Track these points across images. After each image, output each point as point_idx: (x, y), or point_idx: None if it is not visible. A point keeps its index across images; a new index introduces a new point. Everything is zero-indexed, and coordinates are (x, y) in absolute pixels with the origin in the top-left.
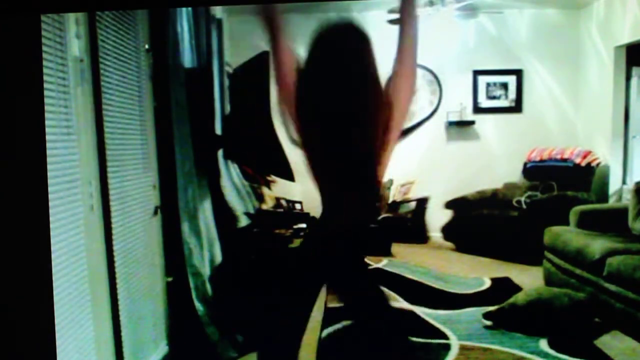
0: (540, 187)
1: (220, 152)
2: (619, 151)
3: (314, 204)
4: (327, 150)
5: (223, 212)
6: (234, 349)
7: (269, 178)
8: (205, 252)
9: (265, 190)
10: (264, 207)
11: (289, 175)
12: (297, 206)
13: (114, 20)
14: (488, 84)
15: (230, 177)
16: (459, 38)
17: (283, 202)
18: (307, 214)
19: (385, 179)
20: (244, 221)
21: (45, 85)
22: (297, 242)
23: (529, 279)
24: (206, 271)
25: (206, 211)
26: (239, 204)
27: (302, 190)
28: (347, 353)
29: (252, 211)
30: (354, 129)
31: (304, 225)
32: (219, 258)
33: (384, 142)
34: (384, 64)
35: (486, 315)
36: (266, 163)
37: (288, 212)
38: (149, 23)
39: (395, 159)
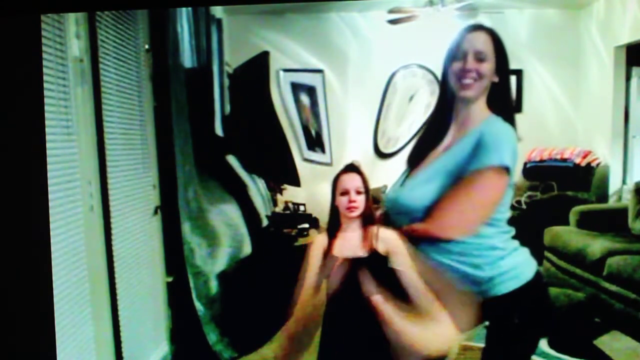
0: (540, 187)
1: (235, 161)
2: (619, 151)
3: (315, 205)
4: None
5: (252, 215)
6: (234, 349)
7: (282, 187)
8: (225, 249)
9: (278, 195)
10: (277, 210)
11: (296, 181)
12: (302, 208)
13: (114, 20)
14: None
15: (257, 188)
16: None
17: (290, 205)
18: (310, 215)
19: (380, 184)
20: (265, 222)
21: (45, 85)
22: (301, 241)
23: None
24: (214, 269)
25: (230, 213)
26: (263, 208)
27: (305, 193)
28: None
29: (269, 214)
30: None
31: (307, 225)
32: (245, 252)
33: None
34: (384, 64)
35: None
36: (281, 174)
37: (294, 213)
38: (149, 23)
39: (393, 163)
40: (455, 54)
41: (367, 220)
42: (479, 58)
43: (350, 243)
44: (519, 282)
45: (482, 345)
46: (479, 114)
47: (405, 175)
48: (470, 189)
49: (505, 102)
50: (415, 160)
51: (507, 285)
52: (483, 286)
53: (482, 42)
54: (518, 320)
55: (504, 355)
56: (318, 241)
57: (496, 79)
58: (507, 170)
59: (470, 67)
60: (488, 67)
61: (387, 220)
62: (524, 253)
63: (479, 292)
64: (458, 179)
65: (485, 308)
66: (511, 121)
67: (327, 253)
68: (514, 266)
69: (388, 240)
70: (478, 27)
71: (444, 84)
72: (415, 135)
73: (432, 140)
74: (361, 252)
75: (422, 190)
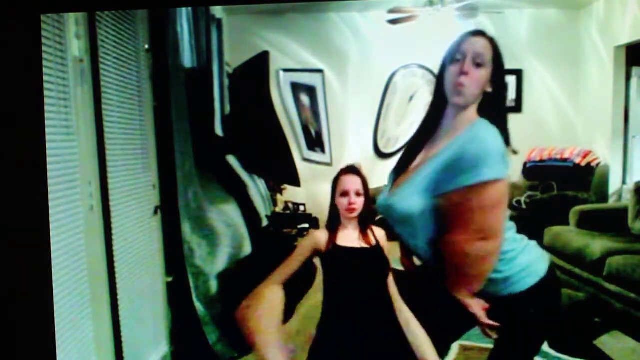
0: (540, 187)
1: (235, 161)
2: (619, 151)
3: (315, 205)
4: None
5: (252, 215)
6: (234, 349)
7: (282, 187)
8: (225, 249)
9: (278, 195)
10: (277, 210)
11: (296, 181)
12: (301, 208)
13: (114, 20)
14: None
15: (257, 188)
16: None
17: (290, 205)
18: (310, 215)
19: (380, 184)
20: (265, 222)
21: (45, 85)
22: (301, 241)
23: None
24: (214, 269)
25: (230, 213)
26: (263, 208)
27: (305, 193)
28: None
29: (269, 214)
30: None
31: (307, 225)
32: (245, 252)
33: None
34: (384, 64)
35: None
36: (281, 174)
37: (294, 213)
38: (149, 23)
39: (393, 163)
40: (454, 55)
41: (366, 220)
42: (477, 62)
43: (352, 238)
44: (535, 278)
45: (481, 344)
46: (466, 120)
47: (392, 182)
48: (471, 205)
49: (497, 112)
50: (401, 169)
51: (524, 283)
52: (499, 286)
53: (482, 46)
54: (534, 316)
55: (513, 353)
56: (313, 235)
57: (490, 89)
58: (498, 180)
59: (467, 69)
60: (484, 73)
61: (387, 226)
62: (535, 248)
63: (492, 291)
64: (449, 191)
65: (498, 307)
66: (502, 131)
67: (317, 249)
68: (529, 263)
69: (380, 238)
70: (480, 33)
71: (438, 86)
72: None
73: (417, 147)
74: (363, 244)
75: (412, 201)
